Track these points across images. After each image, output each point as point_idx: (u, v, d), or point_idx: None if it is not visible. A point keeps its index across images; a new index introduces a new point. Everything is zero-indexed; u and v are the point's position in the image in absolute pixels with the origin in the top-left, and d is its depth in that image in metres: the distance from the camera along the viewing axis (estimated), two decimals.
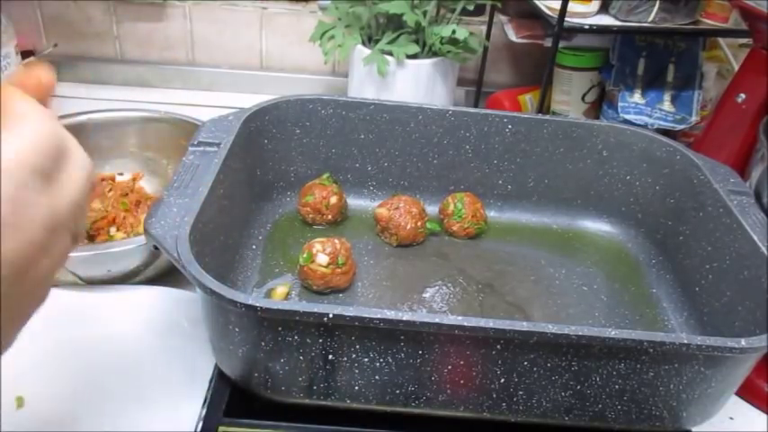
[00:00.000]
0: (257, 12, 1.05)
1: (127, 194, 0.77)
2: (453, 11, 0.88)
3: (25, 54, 0.96)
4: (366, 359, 0.48)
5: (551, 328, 0.45)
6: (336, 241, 0.64)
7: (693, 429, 0.54)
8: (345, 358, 0.48)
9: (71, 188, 0.29)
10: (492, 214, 0.76)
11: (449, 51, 0.87)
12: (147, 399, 0.55)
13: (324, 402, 0.51)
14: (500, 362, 0.48)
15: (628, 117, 0.89)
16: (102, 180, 0.78)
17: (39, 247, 0.27)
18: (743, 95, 0.72)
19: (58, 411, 0.54)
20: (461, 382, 0.49)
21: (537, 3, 0.83)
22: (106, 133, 0.81)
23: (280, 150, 0.73)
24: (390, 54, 0.85)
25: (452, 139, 0.74)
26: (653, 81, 0.91)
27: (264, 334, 0.47)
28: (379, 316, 0.45)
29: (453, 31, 0.84)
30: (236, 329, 0.48)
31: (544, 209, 0.77)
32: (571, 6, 0.78)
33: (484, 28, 1.01)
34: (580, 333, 0.45)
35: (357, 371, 0.48)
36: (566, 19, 0.77)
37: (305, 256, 0.63)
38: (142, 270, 0.65)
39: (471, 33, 0.86)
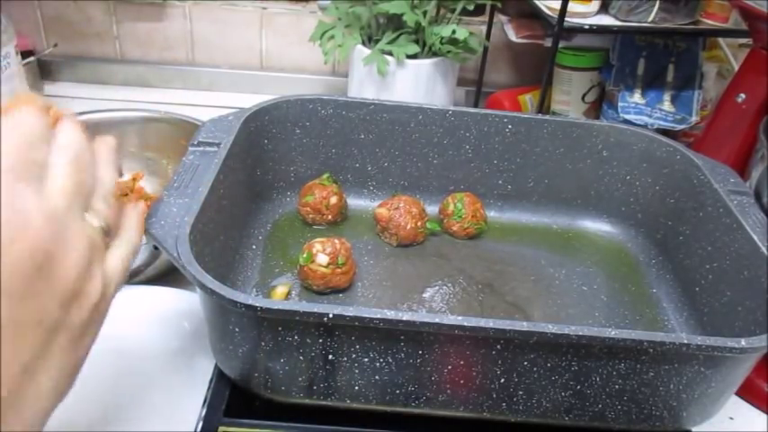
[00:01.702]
0: (257, 12, 1.05)
1: (127, 194, 0.77)
2: (453, 11, 0.88)
3: (25, 54, 0.95)
4: (366, 359, 0.48)
5: (551, 328, 0.45)
6: (336, 241, 0.64)
7: (693, 429, 0.54)
8: (345, 358, 0.48)
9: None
10: (492, 214, 0.76)
11: (449, 51, 0.87)
12: (148, 399, 0.55)
13: (324, 402, 0.51)
14: (500, 362, 0.48)
15: (628, 117, 0.89)
16: None
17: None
18: (743, 95, 0.72)
19: (58, 411, 0.54)
20: (461, 381, 0.49)
21: (537, 3, 0.83)
22: (106, 133, 0.79)
23: (280, 150, 0.73)
24: (390, 54, 0.85)
25: (452, 139, 0.74)
26: (653, 81, 0.91)
27: (264, 334, 0.47)
28: (379, 316, 0.45)
29: (453, 31, 0.84)
30: (236, 329, 0.48)
31: (544, 209, 0.77)
32: (571, 6, 0.78)
33: (484, 28, 1.01)
34: (580, 333, 0.45)
35: (357, 371, 0.48)
36: (566, 19, 0.77)
37: (305, 256, 0.63)
38: (142, 270, 0.65)
39: (471, 33, 0.86)
